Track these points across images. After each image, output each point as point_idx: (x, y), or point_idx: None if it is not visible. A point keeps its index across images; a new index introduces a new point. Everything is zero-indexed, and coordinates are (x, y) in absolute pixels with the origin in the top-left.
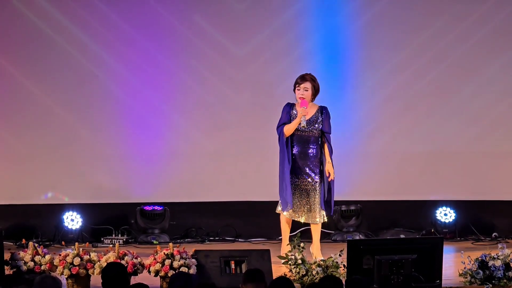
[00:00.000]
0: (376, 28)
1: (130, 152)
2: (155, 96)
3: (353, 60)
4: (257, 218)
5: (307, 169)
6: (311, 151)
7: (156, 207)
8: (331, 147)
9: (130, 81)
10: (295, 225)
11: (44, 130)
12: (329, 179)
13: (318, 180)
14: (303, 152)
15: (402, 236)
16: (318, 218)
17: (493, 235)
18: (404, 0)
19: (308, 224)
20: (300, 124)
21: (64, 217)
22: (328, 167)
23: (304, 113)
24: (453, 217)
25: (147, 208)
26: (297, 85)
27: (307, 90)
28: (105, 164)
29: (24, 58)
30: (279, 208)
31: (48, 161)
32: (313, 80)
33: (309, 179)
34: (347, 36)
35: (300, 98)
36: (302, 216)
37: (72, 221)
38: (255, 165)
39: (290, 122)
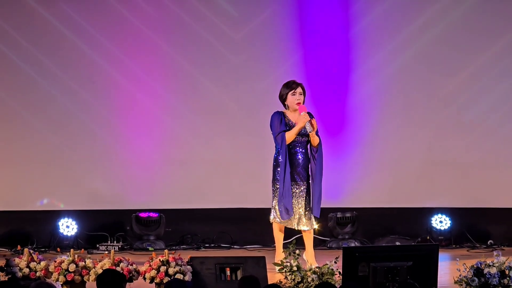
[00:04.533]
0: (373, 34)
1: (126, 158)
2: (151, 103)
3: (349, 67)
4: (253, 225)
5: (298, 175)
6: (302, 157)
7: (152, 214)
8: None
9: (126, 87)
10: (290, 232)
11: (39, 136)
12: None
13: (306, 186)
14: (295, 158)
15: (397, 243)
16: (309, 225)
17: (488, 242)
18: (400, 6)
19: (301, 231)
20: (306, 130)
21: (60, 223)
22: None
23: (308, 118)
24: (448, 225)
25: (143, 214)
26: (291, 91)
27: (301, 94)
28: (101, 171)
29: (18, 65)
30: (272, 217)
31: (43, 167)
32: (302, 84)
33: (301, 185)
34: (343, 43)
35: (298, 104)
36: (294, 223)
37: (68, 227)
38: (251, 172)
39: (288, 130)
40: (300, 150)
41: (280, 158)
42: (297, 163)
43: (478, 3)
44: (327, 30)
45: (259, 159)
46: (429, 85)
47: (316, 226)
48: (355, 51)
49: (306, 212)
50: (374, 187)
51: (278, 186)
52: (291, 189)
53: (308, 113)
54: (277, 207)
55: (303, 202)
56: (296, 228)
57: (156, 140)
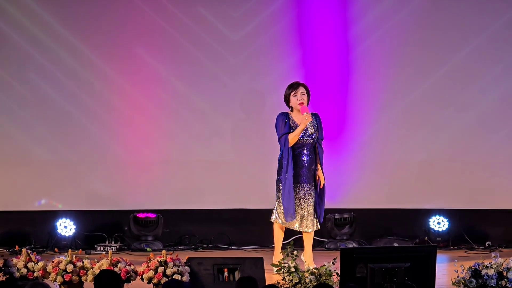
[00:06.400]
0: (371, 37)
1: (124, 159)
2: (149, 104)
3: (348, 69)
4: (251, 225)
5: (302, 177)
6: (307, 158)
7: (150, 215)
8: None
9: (124, 88)
10: (290, 232)
11: (37, 137)
12: (321, 186)
13: (312, 188)
14: (299, 159)
15: (395, 244)
16: (311, 227)
17: (486, 244)
18: (397, 10)
19: (301, 232)
20: (308, 130)
21: (58, 224)
22: (319, 173)
23: (310, 119)
24: (446, 226)
25: (141, 215)
26: (293, 92)
27: (304, 95)
28: (99, 172)
29: (17, 65)
30: (273, 217)
31: (41, 168)
32: (305, 84)
33: (305, 187)
34: (342, 45)
35: (300, 104)
36: (296, 224)
37: (66, 228)
38: (249, 172)
39: (291, 131)
40: (304, 151)
41: (283, 159)
42: (301, 164)
43: (476, 2)
44: (326, 31)
45: (257, 159)
46: (428, 86)
47: (318, 227)
48: (354, 52)
49: (309, 214)
50: (372, 188)
51: (281, 188)
52: (294, 190)
53: (315, 114)
54: (279, 208)
55: (306, 204)
56: (298, 230)
57: (154, 141)
